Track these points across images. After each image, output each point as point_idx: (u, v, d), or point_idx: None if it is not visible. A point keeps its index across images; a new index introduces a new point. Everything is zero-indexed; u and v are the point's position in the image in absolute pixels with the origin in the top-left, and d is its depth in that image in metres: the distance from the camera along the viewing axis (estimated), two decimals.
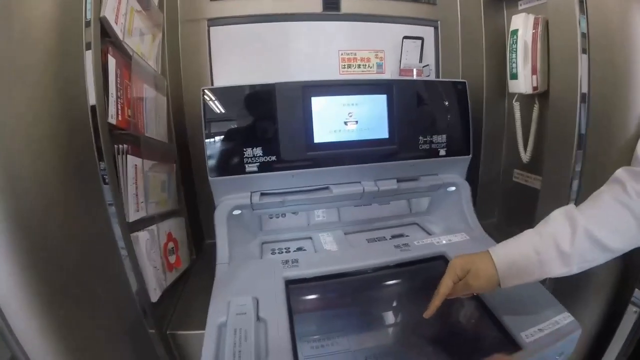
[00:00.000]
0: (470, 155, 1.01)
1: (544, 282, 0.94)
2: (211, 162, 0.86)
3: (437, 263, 0.90)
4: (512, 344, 0.67)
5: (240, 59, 1.13)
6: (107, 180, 0.62)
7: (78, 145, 0.59)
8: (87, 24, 0.59)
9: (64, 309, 0.54)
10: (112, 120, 0.67)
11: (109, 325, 0.65)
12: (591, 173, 0.86)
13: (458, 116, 0.99)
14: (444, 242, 0.95)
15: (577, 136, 0.85)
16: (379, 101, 0.91)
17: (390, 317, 0.84)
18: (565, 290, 0.91)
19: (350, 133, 0.90)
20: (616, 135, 0.84)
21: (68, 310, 0.55)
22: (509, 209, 1.25)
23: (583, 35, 0.82)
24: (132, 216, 0.73)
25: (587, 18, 0.82)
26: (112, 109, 0.68)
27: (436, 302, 0.70)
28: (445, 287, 0.70)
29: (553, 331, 0.68)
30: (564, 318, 0.71)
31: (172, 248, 0.91)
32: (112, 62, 0.69)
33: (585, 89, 0.83)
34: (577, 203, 0.88)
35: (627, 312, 0.94)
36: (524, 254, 0.68)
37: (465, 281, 0.69)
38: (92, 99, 0.59)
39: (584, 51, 0.83)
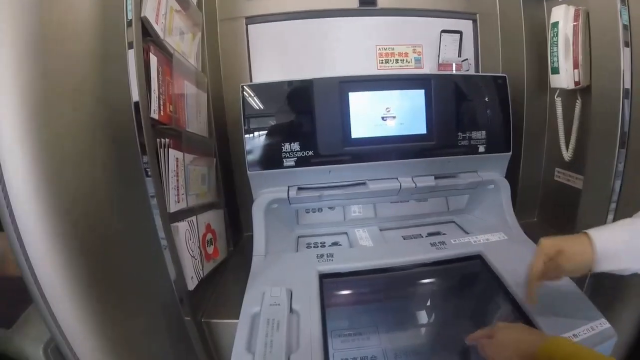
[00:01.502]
0: (511, 153, 0.99)
1: (581, 285, 0.91)
2: (250, 157, 0.88)
3: (473, 263, 0.89)
4: None
5: (278, 56, 1.14)
6: (149, 173, 0.64)
7: (123, 140, 0.61)
8: (129, 23, 0.62)
9: (105, 295, 0.56)
10: (154, 115, 0.70)
11: (147, 311, 0.68)
12: (634, 173, 0.83)
13: (498, 112, 0.96)
14: (481, 241, 0.93)
15: (619, 134, 0.82)
16: (417, 96, 0.90)
17: (423, 316, 0.84)
18: (603, 294, 0.88)
19: (387, 128, 0.90)
20: None
21: (108, 297, 0.57)
22: (549, 209, 1.21)
23: (625, 27, 0.79)
24: (173, 207, 0.76)
25: (628, 9, 0.79)
26: (154, 105, 0.70)
27: (532, 287, 0.68)
28: (536, 269, 0.67)
29: (588, 337, 0.66)
30: (600, 324, 0.69)
31: (211, 239, 0.94)
32: (153, 60, 0.72)
33: (628, 84, 0.80)
34: (618, 204, 0.86)
35: None
36: (623, 239, 0.65)
37: (557, 263, 0.66)
38: (135, 96, 0.61)
39: (626, 44, 0.79)
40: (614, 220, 0.87)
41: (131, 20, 0.62)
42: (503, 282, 0.79)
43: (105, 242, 0.57)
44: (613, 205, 0.86)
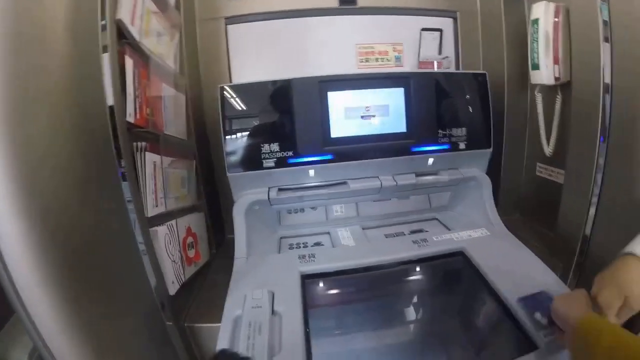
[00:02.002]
0: (491, 149, 0.99)
1: (564, 278, 0.92)
2: (229, 158, 0.88)
3: (455, 259, 0.89)
4: (529, 343, 0.65)
5: (259, 56, 1.14)
6: (126, 177, 0.64)
7: (98, 144, 0.60)
8: (103, 27, 0.61)
9: (83, 302, 0.55)
10: (130, 118, 0.69)
11: (128, 317, 0.66)
12: (615, 167, 0.84)
13: (478, 109, 0.97)
14: (464, 237, 0.93)
15: (600, 128, 0.83)
16: (396, 94, 0.90)
17: (406, 314, 0.84)
18: (588, 286, 0.89)
19: (367, 127, 0.90)
20: None
21: (87, 304, 0.56)
22: (532, 204, 1.22)
23: (605, 23, 0.80)
24: (151, 211, 0.75)
25: (608, 5, 0.79)
26: (130, 108, 0.69)
27: None
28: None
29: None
30: None
31: (192, 242, 0.93)
32: (129, 62, 0.71)
33: (608, 79, 0.81)
34: (600, 198, 0.87)
35: None
36: None
37: (629, 307, 0.63)
38: (110, 100, 0.61)
39: (606, 40, 0.80)
40: (596, 214, 0.88)
41: (105, 24, 0.61)
42: (486, 277, 0.79)
43: (82, 248, 0.56)
44: (595, 199, 0.87)
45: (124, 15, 0.68)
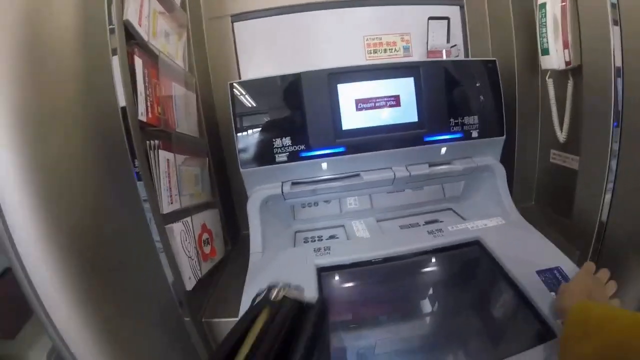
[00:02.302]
0: (504, 136, 0.98)
1: (581, 265, 0.91)
2: (242, 154, 0.88)
3: (471, 249, 0.88)
4: (547, 332, 0.65)
5: (266, 52, 1.14)
6: (140, 177, 0.65)
7: (112, 145, 0.61)
8: (112, 30, 0.62)
9: (101, 301, 0.56)
10: (142, 117, 0.70)
11: (146, 315, 0.67)
12: (629, 151, 0.82)
13: (490, 96, 0.95)
14: (479, 227, 0.93)
15: (613, 112, 0.82)
16: (406, 84, 0.89)
17: (423, 304, 0.83)
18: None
19: (378, 118, 0.89)
20: None
21: (105, 303, 0.57)
22: (547, 191, 1.21)
23: (613, 5, 0.78)
24: (166, 208, 0.76)
25: None
26: (141, 107, 0.70)
27: None
28: None
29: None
30: None
31: (207, 239, 0.94)
32: (138, 62, 0.72)
33: (619, 63, 0.80)
34: (615, 184, 0.85)
35: None
36: None
37: None
38: (121, 101, 0.62)
39: (615, 22, 0.79)
40: (612, 199, 0.87)
41: (114, 27, 0.62)
42: (502, 266, 0.79)
43: (99, 248, 0.57)
44: (610, 185, 0.86)
45: (131, 16, 0.69)
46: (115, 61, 0.62)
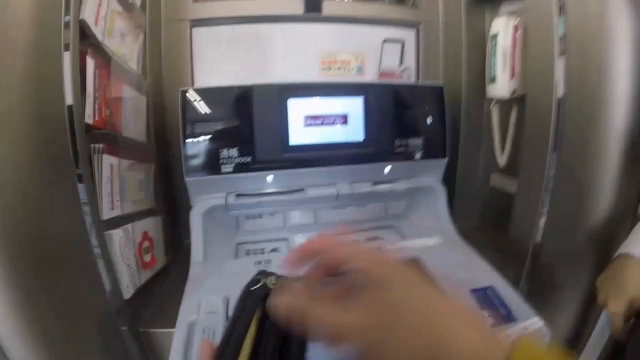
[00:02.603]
0: (447, 159, 1.02)
1: (515, 284, 0.96)
2: (187, 162, 0.87)
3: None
4: None
5: (222, 60, 1.13)
6: (82, 180, 0.63)
7: (55, 144, 0.60)
8: (67, 25, 0.60)
9: (36, 306, 0.55)
10: (89, 120, 0.68)
11: (82, 322, 0.66)
12: (565, 177, 0.88)
13: (435, 120, 0.99)
14: (418, 245, 0.96)
15: (551, 140, 0.87)
16: (356, 104, 0.92)
17: None
18: (538, 293, 0.93)
19: (326, 135, 0.91)
20: (592, 139, 0.86)
21: (41, 308, 0.56)
22: (486, 212, 1.27)
23: (561, 37, 0.84)
24: (106, 214, 0.74)
25: (565, 20, 0.83)
26: (89, 109, 0.69)
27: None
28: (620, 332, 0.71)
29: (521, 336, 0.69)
30: (534, 323, 0.71)
31: (148, 247, 0.92)
32: (90, 63, 0.70)
33: (561, 93, 0.85)
34: (550, 207, 0.91)
35: (602, 316, 0.96)
36: None
37: (635, 307, 0.70)
38: (69, 99, 0.60)
39: (561, 54, 0.84)
40: (546, 222, 0.92)
41: (69, 21, 0.61)
42: (439, 285, 0.82)
43: (36, 249, 0.56)
44: (545, 209, 0.91)
45: (87, 15, 0.68)
46: (67, 57, 0.60)
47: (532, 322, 0.71)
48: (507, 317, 0.71)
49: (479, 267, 0.88)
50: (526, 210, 0.98)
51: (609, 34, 0.82)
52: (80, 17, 0.65)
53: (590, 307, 0.96)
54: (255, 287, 0.43)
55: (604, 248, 0.91)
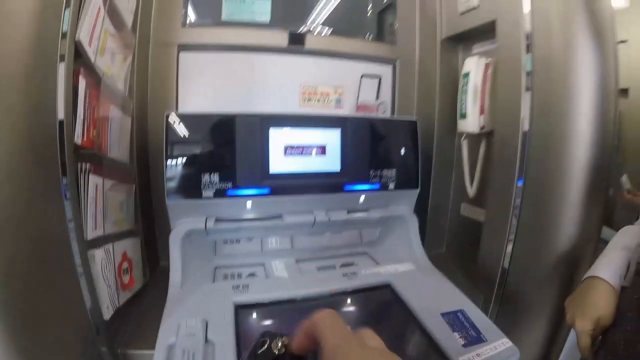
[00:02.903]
0: (419, 189, 1.06)
1: (485, 308, 1.01)
2: (169, 186, 0.88)
3: (383, 292, 0.94)
4: None
5: (206, 86, 1.17)
6: (68, 196, 0.65)
7: (44, 160, 0.62)
8: (63, 36, 0.63)
9: (15, 323, 0.55)
10: (77, 140, 0.70)
11: (62, 341, 0.66)
12: (530, 207, 0.94)
13: (408, 152, 1.04)
14: (391, 271, 0.99)
15: (517, 172, 0.93)
16: (333, 135, 0.96)
17: None
18: (508, 315, 0.98)
19: (304, 164, 0.95)
20: (555, 169, 0.91)
21: (20, 325, 0.56)
22: (456, 240, 1.33)
23: (528, 73, 0.90)
24: (91, 234, 0.76)
25: (532, 56, 0.90)
26: (78, 129, 0.70)
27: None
28: (587, 349, 0.73)
29: (490, 356, 0.71)
30: (503, 344, 0.74)
31: (127, 268, 0.93)
32: (82, 83, 0.72)
33: (527, 127, 0.91)
34: (516, 235, 0.96)
35: (570, 335, 0.99)
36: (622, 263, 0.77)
37: (602, 325, 0.73)
38: (60, 114, 0.63)
39: (527, 89, 0.90)
40: (513, 249, 0.98)
41: (66, 32, 0.64)
42: (410, 309, 0.85)
43: (18, 264, 0.56)
44: (512, 236, 0.97)
45: (83, 35, 0.70)
46: (61, 69, 0.63)
47: (501, 343, 0.74)
48: (477, 338, 0.75)
49: (449, 291, 0.92)
50: (494, 238, 1.03)
51: (573, 69, 0.87)
52: (77, 38, 0.68)
53: (558, 328, 1.00)
54: (261, 350, 0.42)
55: (569, 271, 0.95)
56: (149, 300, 0.98)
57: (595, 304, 0.75)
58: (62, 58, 0.63)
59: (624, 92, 1.72)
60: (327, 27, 1.27)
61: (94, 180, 0.77)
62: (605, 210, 1.02)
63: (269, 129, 0.92)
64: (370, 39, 1.28)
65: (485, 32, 1.11)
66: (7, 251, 0.54)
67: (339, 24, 1.31)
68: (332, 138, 0.96)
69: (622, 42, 1.51)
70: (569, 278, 0.95)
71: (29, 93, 0.58)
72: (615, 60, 0.92)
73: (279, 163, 0.93)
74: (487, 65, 1.08)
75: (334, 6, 1.31)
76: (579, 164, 0.90)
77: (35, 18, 0.59)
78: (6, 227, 0.54)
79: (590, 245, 0.97)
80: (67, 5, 0.64)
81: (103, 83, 0.82)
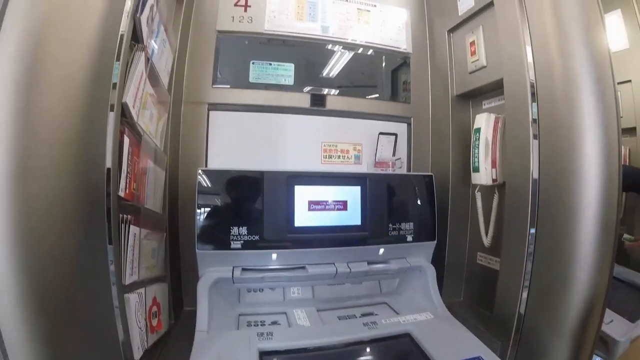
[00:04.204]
0: (436, 241, 1.11)
1: (503, 354, 1.00)
2: (200, 236, 0.94)
3: (402, 341, 0.96)
4: None
5: (234, 143, 1.24)
6: (111, 241, 0.70)
7: (92, 212, 0.67)
8: (112, 107, 0.70)
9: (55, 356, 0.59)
10: (121, 193, 0.76)
11: None
12: (543, 253, 0.95)
13: (425, 205, 1.10)
14: (410, 321, 1.02)
15: (529, 220, 0.95)
16: (354, 192, 1.03)
17: None
18: None
19: (327, 219, 1.01)
20: (566, 214, 0.91)
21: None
22: (473, 289, 1.34)
23: (534, 120, 0.94)
24: (128, 279, 0.80)
25: (537, 104, 0.94)
26: (122, 183, 0.76)
27: None
28: None
29: None
30: None
31: (156, 312, 0.96)
32: (126, 141, 0.79)
33: (536, 175, 0.94)
34: (531, 282, 0.97)
35: None
36: None
37: None
38: (108, 162, 0.69)
39: (535, 137, 0.94)
40: (528, 295, 0.98)
41: (116, 83, 0.71)
42: (430, 357, 0.87)
43: (64, 309, 0.60)
44: (527, 283, 0.98)
45: (129, 98, 0.77)
46: (110, 127, 0.69)
47: None
48: None
49: (467, 339, 0.94)
50: (509, 284, 1.03)
51: (577, 113, 0.89)
52: (123, 100, 0.75)
53: None
54: None
55: (585, 313, 0.93)
56: (175, 343, 1.01)
57: None
58: (112, 108, 0.70)
59: (632, 130, 1.72)
60: (345, 87, 1.36)
61: (133, 230, 0.83)
62: (618, 249, 1.02)
63: (294, 185, 0.99)
64: (385, 99, 1.36)
65: (494, 88, 1.18)
66: (57, 300, 0.59)
67: (355, 82, 1.41)
68: (353, 194, 1.02)
69: (627, 82, 1.57)
70: (584, 320, 0.95)
71: (81, 141, 0.64)
72: (616, 99, 0.93)
73: (303, 217, 0.99)
74: (496, 120, 1.13)
75: (351, 66, 1.40)
76: (588, 206, 0.90)
77: (89, 69, 0.66)
78: (56, 281, 0.59)
79: (603, 285, 0.98)
80: (117, 58, 0.72)
81: (143, 140, 0.90)
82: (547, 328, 0.99)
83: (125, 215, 0.80)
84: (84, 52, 0.66)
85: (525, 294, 0.99)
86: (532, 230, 0.96)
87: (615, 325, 1.23)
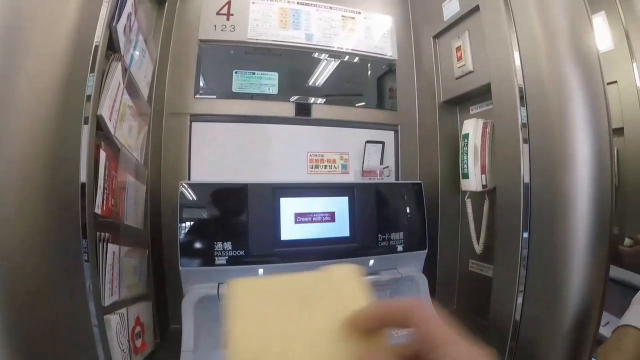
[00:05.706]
0: (426, 250, 1.09)
1: None
2: (183, 253, 0.91)
3: None
4: None
5: (217, 154, 1.21)
6: (87, 259, 0.66)
7: (65, 220, 0.63)
8: (86, 120, 0.67)
9: None
10: (97, 210, 0.72)
11: None
12: (537, 258, 0.93)
13: (414, 214, 1.08)
14: (403, 331, 0.99)
15: (521, 225, 0.93)
16: (342, 202, 1.00)
17: None
18: None
19: (314, 231, 0.98)
20: (559, 218, 0.89)
21: None
22: (466, 297, 1.32)
23: (523, 125, 0.93)
24: (107, 300, 0.77)
25: (526, 108, 0.93)
26: (99, 200, 0.73)
27: None
28: None
29: None
30: None
31: (139, 332, 0.92)
32: (102, 155, 0.75)
33: (527, 179, 0.93)
34: (525, 288, 0.96)
35: None
36: None
37: None
38: (82, 177, 0.65)
39: (525, 141, 0.92)
40: (524, 300, 0.96)
41: (90, 96, 0.67)
42: None
43: (39, 332, 0.57)
44: (521, 288, 0.96)
45: (104, 111, 0.74)
46: (83, 153, 0.66)
47: None
48: None
49: None
50: (504, 290, 1.02)
51: (566, 115, 0.88)
52: (98, 112, 0.71)
53: None
54: None
55: (582, 316, 0.92)
56: None
57: (628, 353, 0.75)
58: (86, 121, 0.66)
59: (620, 131, 1.74)
60: (331, 96, 1.35)
61: (111, 248, 0.79)
62: (612, 249, 1.01)
63: (280, 197, 0.96)
64: (371, 107, 1.35)
65: (481, 93, 1.17)
66: (31, 323, 0.56)
67: (341, 90, 1.39)
68: (340, 205, 1.00)
69: (613, 82, 1.58)
70: (581, 323, 0.94)
71: (53, 155, 0.61)
72: (606, 101, 0.94)
73: (290, 230, 0.96)
74: (485, 125, 1.13)
75: (336, 74, 1.39)
76: (581, 207, 0.89)
77: (61, 80, 0.63)
78: (29, 301, 0.56)
79: (599, 287, 0.97)
80: (92, 69, 0.69)
81: (121, 154, 0.87)
82: (544, 333, 0.97)
83: (103, 234, 0.76)
84: (55, 62, 0.63)
85: (520, 300, 0.97)
86: (525, 235, 0.95)
87: (611, 328, 1.22)
